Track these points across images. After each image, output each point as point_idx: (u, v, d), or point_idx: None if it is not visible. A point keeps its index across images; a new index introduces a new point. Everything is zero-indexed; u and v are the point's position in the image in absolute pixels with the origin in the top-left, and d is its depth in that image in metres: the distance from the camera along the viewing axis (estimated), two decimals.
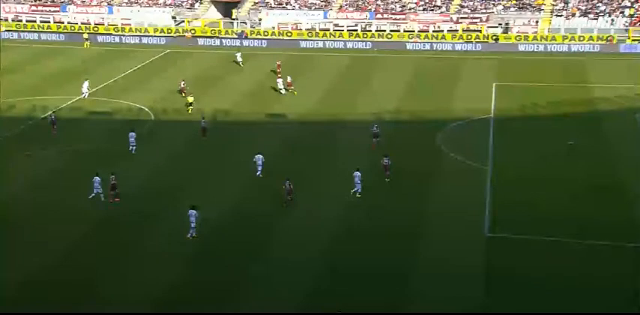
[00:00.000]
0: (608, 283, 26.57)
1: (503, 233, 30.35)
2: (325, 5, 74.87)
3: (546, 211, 32.38)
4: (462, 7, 72.29)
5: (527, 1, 71.60)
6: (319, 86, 53.88)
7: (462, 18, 70.20)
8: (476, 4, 72.29)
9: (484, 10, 71.23)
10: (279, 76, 53.61)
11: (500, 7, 71.44)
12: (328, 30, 71.11)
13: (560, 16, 69.26)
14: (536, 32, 67.62)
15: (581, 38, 65.61)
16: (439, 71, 57.86)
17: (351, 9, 73.80)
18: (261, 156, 36.58)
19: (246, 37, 71.27)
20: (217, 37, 71.41)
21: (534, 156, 38.89)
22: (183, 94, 51.09)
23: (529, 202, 33.24)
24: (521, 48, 65.39)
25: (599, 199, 33.42)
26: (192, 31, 72.85)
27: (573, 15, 69.06)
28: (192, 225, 29.48)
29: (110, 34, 73.29)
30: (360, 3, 74.47)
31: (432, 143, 41.07)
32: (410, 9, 72.61)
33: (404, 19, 71.07)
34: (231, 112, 48.22)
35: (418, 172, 37.09)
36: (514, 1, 71.76)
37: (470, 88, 52.83)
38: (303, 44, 68.92)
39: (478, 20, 69.89)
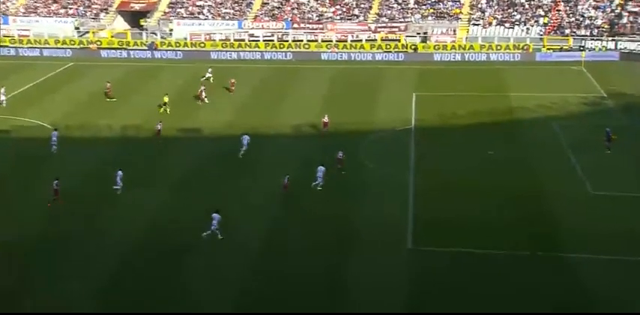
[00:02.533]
0: (531, 293, 27.59)
1: (426, 246, 31.09)
2: (240, 15, 75.13)
3: (469, 222, 33.34)
4: (380, 16, 73.98)
5: (445, 10, 74.09)
6: (236, 99, 53.88)
7: (380, 27, 71.86)
8: (394, 13, 74.14)
9: (402, 19, 73.15)
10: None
11: (418, 16, 73.55)
12: (243, 40, 71.36)
13: (478, 24, 71.94)
14: (454, 41, 69.99)
15: (499, 47, 68.29)
16: (359, 82, 58.93)
17: (266, 18, 74.31)
18: (247, 136, 41.37)
19: (156, 49, 70.60)
20: (125, 49, 70.44)
21: (456, 166, 40.07)
22: (108, 98, 52.98)
23: (452, 214, 34.16)
24: (439, 57, 67.45)
25: (521, 209, 34.69)
26: (98, 43, 71.56)
27: (490, 24, 71.87)
28: (213, 227, 31.36)
29: (6, 47, 71.05)
30: (275, 12, 75.10)
31: (354, 155, 41.74)
32: (327, 18, 73.79)
33: (321, 29, 72.15)
34: (144, 127, 47.77)
35: (340, 185, 37.62)
36: (432, 10, 74.10)
37: (390, 99, 53.99)
38: (217, 55, 68.91)
39: (397, 29, 71.71)
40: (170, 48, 70.70)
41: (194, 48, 70.65)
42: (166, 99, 50.81)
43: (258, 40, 70.98)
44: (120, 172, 36.90)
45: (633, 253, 29.93)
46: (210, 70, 59.40)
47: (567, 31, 69.53)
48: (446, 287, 28.02)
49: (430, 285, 28.26)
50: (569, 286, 27.91)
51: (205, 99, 52.50)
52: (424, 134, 46.05)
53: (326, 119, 46.52)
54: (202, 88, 53.45)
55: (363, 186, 37.74)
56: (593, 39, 67.94)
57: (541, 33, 70.01)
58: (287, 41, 70.69)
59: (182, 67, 64.98)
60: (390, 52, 68.62)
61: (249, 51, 69.35)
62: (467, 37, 70.37)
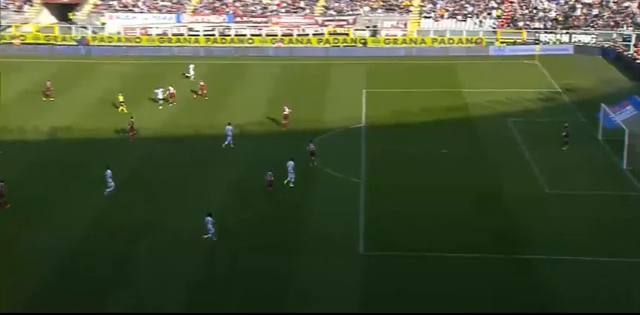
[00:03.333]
0: (489, 294, 28.53)
1: (379, 250, 31.67)
2: (178, 8, 74.88)
3: (424, 223, 34.17)
4: (327, 8, 74.66)
5: (395, 3, 75.24)
6: (178, 95, 53.74)
7: (327, 21, 72.56)
8: (342, 5, 74.92)
9: (350, 12, 74.01)
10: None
11: (367, 8, 74.50)
12: (182, 35, 71.19)
13: (429, 17, 73.31)
14: (405, 35, 71.19)
15: (451, 41, 69.82)
16: (306, 78, 59.50)
17: (206, 12, 74.24)
18: (230, 127, 43.91)
19: (87, 44, 69.87)
20: (52, 45, 69.49)
21: (409, 166, 40.88)
22: (45, 98, 53.10)
23: (406, 216, 34.89)
24: (390, 52, 68.49)
25: (477, 209, 35.66)
26: (22, 38, 70.41)
27: (442, 16, 73.36)
28: (211, 232, 32.48)
29: None
30: (217, 5, 75.08)
31: (303, 155, 41.98)
32: (271, 11, 74.12)
33: (266, 23, 72.48)
34: (74, 128, 47.45)
35: (289, 187, 38.07)
36: (381, 3, 75.17)
37: (339, 96, 54.67)
38: (153, 51, 68.54)
39: (345, 23, 72.54)
40: (102, 43, 70.07)
41: (128, 43, 70.17)
42: (121, 98, 50.78)
43: (198, 35, 70.92)
44: (109, 172, 37.19)
45: (589, 253, 31.16)
46: (192, 66, 59.18)
47: (521, 24, 71.47)
48: (399, 291, 28.64)
49: (384, 289, 28.83)
50: (527, 287, 28.84)
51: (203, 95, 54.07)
52: (376, 133, 46.82)
53: (286, 111, 47.12)
54: (201, 83, 54.86)
55: (315, 187, 38.23)
56: (547, 32, 70.05)
57: (494, 26, 71.78)
58: (229, 36, 70.80)
59: (116, 63, 64.49)
60: (339, 46, 69.33)
61: (189, 46, 69.24)
62: (418, 31, 71.64)
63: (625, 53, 63.98)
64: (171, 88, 52.81)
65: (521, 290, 28.74)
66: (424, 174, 39.90)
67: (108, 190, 37.17)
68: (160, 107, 51.48)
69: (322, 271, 30.13)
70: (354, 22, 72.74)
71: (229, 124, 44.36)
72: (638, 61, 60.73)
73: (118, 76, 60.16)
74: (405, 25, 72.25)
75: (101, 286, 28.99)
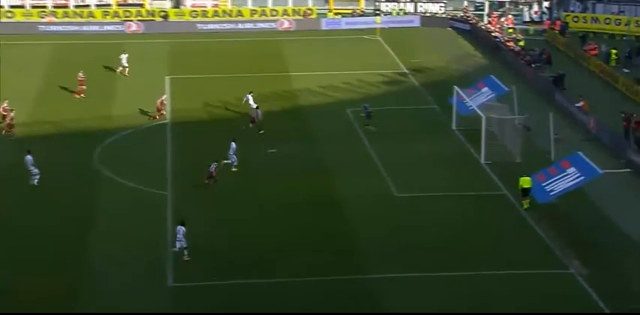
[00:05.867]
0: None
1: (191, 281, 31.50)
2: None
3: (245, 241, 34.25)
4: None
5: None
6: None
7: None
8: None
9: None
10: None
11: None
12: None
13: None
14: (216, 5, 71.11)
15: (274, 12, 70.52)
16: (87, 62, 57.30)
17: None
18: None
19: None
20: None
21: (228, 170, 40.77)
22: None
23: (223, 233, 34.91)
24: (199, 27, 68.30)
25: (312, 220, 36.24)
26: None
27: None
28: (181, 242, 33.00)
29: None
30: None
31: (87, 165, 41.22)
32: None
33: None
34: None
35: (76, 204, 37.31)
36: None
37: (134, 85, 53.80)
38: None
39: None
40: None
41: None
42: None
43: None
44: (29, 157, 39.19)
45: (443, 268, 32.33)
46: (124, 56, 56.05)
47: None
48: None
49: None
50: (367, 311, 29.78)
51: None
52: (185, 130, 46.53)
53: (163, 99, 47.89)
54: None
55: (107, 206, 37.57)
56: (389, 1, 72.40)
57: None
58: None
59: None
60: (132, 21, 68.23)
61: None
62: (233, 2, 71.77)
63: (479, 25, 67.33)
64: None
65: None
66: (247, 180, 40.03)
67: (34, 178, 38.89)
68: None
69: (123, 309, 29.63)
70: None
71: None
72: (493, 34, 64.10)
73: None
74: None
75: None
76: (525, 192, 37.02)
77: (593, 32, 65.61)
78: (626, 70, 56.39)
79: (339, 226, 35.89)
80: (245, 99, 48.22)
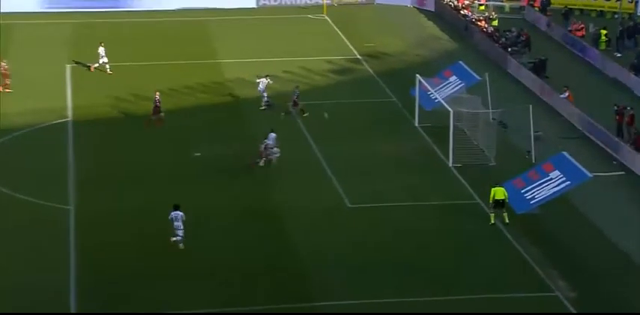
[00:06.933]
0: None
1: (95, 309, 31.40)
2: None
3: (164, 266, 34.06)
4: None
5: None
6: None
7: None
8: None
9: None
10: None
11: None
12: None
13: None
14: None
15: None
16: None
17: None
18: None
19: None
20: None
21: (144, 179, 40.91)
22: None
23: (137, 256, 34.78)
24: (103, 3, 68.17)
25: (248, 237, 36.17)
26: None
27: None
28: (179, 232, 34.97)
29: None
30: None
31: None
32: None
33: None
34: None
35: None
36: None
37: (27, 75, 53.17)
38: None
39: None
40: None
41: None
42: None
43: None
44: None
45: (402, 293, 32.27)
46: (102, 50, 54.70)
47: None
48: None
49: None
50: None
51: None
52: (90, 131, 46.31)
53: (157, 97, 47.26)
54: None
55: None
56: None
57: None
58: None
59: None
60: None
61: None
62: None
63: (445, 1, 67.88)
64: None
65: None
66: (168, 190, 39.90)
67: None
68: None
69: None
70: None
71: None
72: (462, 12, 64.65)
73: None
74: None
75: None
76: (498, 204, 36.73)
77: (580, 9, 66.59)
78: (618, 55, 57.36)
79: (279, 245, 35.86)
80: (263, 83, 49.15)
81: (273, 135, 42.75)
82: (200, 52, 58.57)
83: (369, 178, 41.67)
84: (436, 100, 45.33)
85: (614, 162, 42.48)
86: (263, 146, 42.20)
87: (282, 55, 58.12)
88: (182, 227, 34.89)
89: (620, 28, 59.58)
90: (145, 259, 34.66)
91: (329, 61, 57.28)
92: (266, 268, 34.11)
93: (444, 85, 46.27)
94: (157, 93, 46.97)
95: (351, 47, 60.34)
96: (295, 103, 48.16)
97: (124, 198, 39.44)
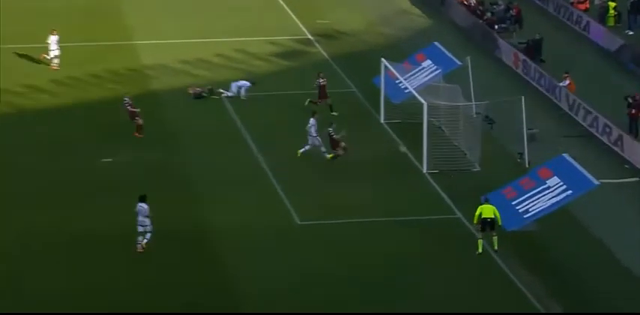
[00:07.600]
0: None
1: None
2: None
3: (71, 296, 33.94)
4: None
5: None
6: None
7: None
8: None
9: None
10: None
11: None
12: None
13: None
14: None
15: None
16: None
17: None
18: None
19: None
20: None
21: (47, 193, 40.96)
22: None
23: (47, 288, 34.49)
24: None
25: (175, 256, 36.32)
26: None
27: None
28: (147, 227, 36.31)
29: None
30: None
31: None
32: None
33: None
34: None
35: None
36: None
37: None
38: None
39: None
40: None
41: None
42: None
43: None
44: None
45: None
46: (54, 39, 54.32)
47: None
48: None
49: None
50: None
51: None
52: None
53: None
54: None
55: None
56: None
57: None
58: None
59: None
60: None
61: None
62: None
63: None
64: None
65: None
66: (74, 201, 39.88)
67: None
68: None
69: None
70: None
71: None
72: None
73: None
74: None
75: None
76: (487, 225, 36.19)
77: None
78: (630, 32, 57.78)
79: (212, 272, 35.78)
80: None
81: (313, 120, 43.80)
82: (110, 31, 58.85)
83: (324, 189, 41.73)
84: (406, 91, 45.50)
85: (626, 166, 42.77)
86: (333, 135, 43.21)
87: (214, 35, 58.51)
88: (148, 223, 35.73)
89: (632, 0, 59.88)
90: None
91: (273, 43, 57.67)
92: (196, 304, 33.99)
93: (416, 72, 46.51)
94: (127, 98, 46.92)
95: (300, 25, 60.65)
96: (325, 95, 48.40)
97: (29, 214, 39.21)
